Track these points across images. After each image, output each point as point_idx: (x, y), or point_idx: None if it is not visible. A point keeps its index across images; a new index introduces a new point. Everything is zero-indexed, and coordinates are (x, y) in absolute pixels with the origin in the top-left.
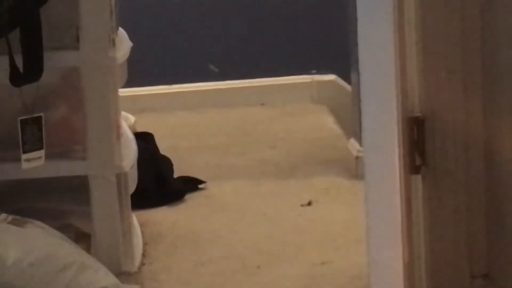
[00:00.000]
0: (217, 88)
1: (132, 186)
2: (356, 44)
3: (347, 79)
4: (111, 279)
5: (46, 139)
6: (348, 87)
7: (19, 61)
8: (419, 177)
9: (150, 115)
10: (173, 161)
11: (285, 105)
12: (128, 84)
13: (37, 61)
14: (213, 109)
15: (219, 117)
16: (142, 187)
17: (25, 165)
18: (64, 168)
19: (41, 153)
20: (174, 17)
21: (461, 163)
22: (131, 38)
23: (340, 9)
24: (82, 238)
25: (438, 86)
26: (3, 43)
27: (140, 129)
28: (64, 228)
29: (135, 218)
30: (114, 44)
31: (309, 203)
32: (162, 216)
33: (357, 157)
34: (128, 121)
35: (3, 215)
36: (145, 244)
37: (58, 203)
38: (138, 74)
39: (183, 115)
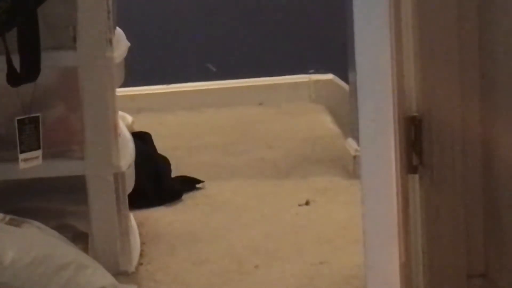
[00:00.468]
0: (215, 87)
1: (129, 186)
2: (354, 44)
3: (345, 78)
4: (109, 279)
5: (43, 139)
6: (346, 86)
7: (16, 61)
8: (416, 177)
9: (148, 115)
10: (171, 161)
11: (283, 105)
12: (125, 84)
13: (34, 61)
14: (210, 108)
15: (217, 116)
16: (139, 187)
17: (22, 165)
18: (61, 168)
19: (39, 153)
20: (172, 17)
21: (458, 163)
22: (128, 37)
23: (338, 9)
24: (80, 238)
25: (435, 85)
26: (0, 43)
27: (138, 128)
28: (62, 228)
29: (133, 218)
30: (111, 43)
31: (307, 203)
32: (159, 216)
33: (354, 157)
34: (125, 121)
35: (1, 215)
36: (142, 243)
37: (55, 203)
38: (135, 73)
39: (180, 115)
